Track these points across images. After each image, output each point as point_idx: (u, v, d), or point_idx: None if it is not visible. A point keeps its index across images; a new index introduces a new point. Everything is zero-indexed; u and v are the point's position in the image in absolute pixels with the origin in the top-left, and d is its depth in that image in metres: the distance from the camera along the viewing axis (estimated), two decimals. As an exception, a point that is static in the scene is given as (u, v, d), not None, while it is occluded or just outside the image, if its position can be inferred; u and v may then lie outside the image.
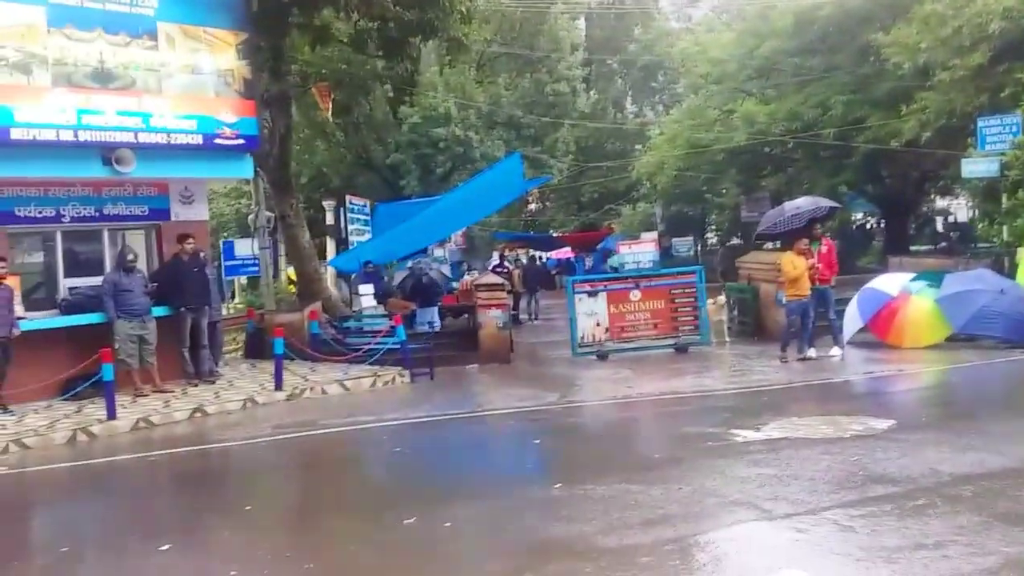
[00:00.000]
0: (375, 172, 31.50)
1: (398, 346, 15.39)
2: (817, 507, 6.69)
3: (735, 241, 37.74)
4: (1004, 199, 19.00)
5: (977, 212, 26.35)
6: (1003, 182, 18.90)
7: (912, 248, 32.98)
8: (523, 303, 25.91)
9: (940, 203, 39.60)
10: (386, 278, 20.80)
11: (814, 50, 29.96)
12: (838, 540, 6.06)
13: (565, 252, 40.05)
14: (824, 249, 15.63)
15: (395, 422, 11.57)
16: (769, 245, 28.59)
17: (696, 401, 12.07)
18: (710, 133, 31.14)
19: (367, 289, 18.67)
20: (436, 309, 18.88)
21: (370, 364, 15.30)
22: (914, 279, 16.30)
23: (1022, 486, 7.01)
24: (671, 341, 16.67)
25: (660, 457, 8.91)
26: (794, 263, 14.70)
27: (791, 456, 8.28)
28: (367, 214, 23.76)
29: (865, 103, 27.72)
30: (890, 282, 16.47)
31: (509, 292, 19.66)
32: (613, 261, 30.51)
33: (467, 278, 19.52)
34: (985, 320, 14.83)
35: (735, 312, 18.65)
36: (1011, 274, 16.28)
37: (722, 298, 18.33)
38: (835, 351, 14.83)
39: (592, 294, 16.93)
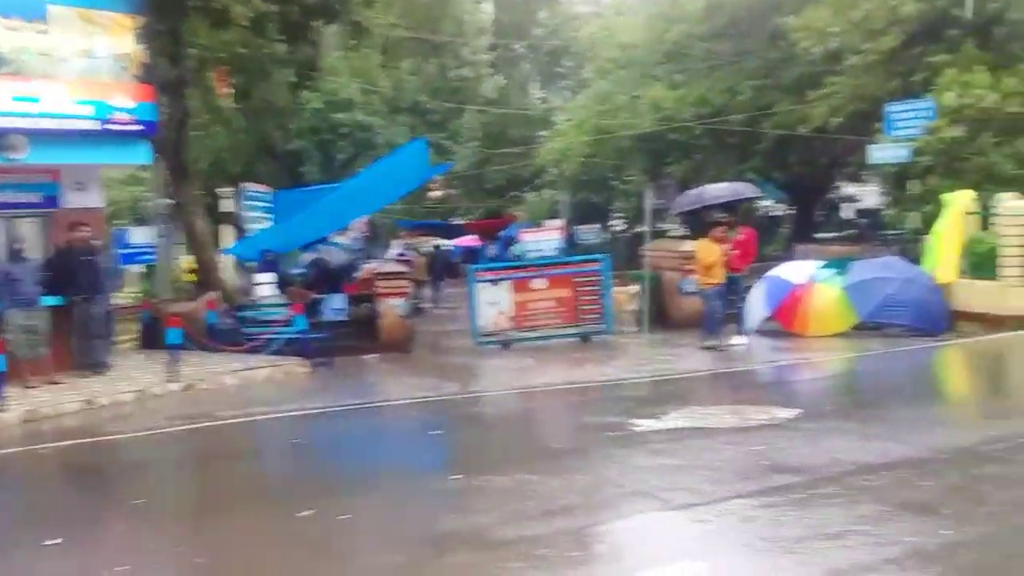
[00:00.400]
0: (276, 159, 30.87)
1: (297, 335, 14.94)
2: (718, 497, 6.52)
3: (641, 229, 37.79)
4: (913, 185, 19.11)
5: (886, 199, 26.62)
6: (912, 168, 18.99)
7: (820, 235, 33.34)
8: (427, 292, 25.55)
9: (849, 190, 40.10)
10: (290, 267, 20.24)
11: (724, 35, 30.00)
12: (739, 530, 5.91)
13: (470, 240, 39.73)
14: (741, 237, 15.52)
15: (293, 413, 11.25)
16: (674, 233, 28.66)
17: (599, 391, 11.86)
18: (617, 119, 30.99)
19: (266, 278, 18.14)
20: (344, 296, 18.41)
21: (269, 354, 14.84)
22: (820, 267, 16.32)
23: (925, 475, 6.89)
24: (576, 330, 16.44)
25: (560, 447, 8.74)
26: (709, 249, 14.58)
27: (693, 446, 8.12)
28: (267, 201, 23.14)
29: (774, 88, 27.85)
30: (796, 270, 16.47)
31: (413, 281, 19.29)
32: (516, 249, 30.24)
33: (369, 266, 19.05)
34: (892, 308, 14.89)
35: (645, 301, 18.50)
36: (920, 262, 16.35)
37: (634, 287, 18.14)
38: (740, 340, 14.74)
39: (495, 282, 16.62)
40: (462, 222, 45.98)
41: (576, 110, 35.75)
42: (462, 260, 36.72)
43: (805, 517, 6.03)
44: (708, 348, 14.28)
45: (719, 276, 14.62)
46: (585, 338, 16.30)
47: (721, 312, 14.67)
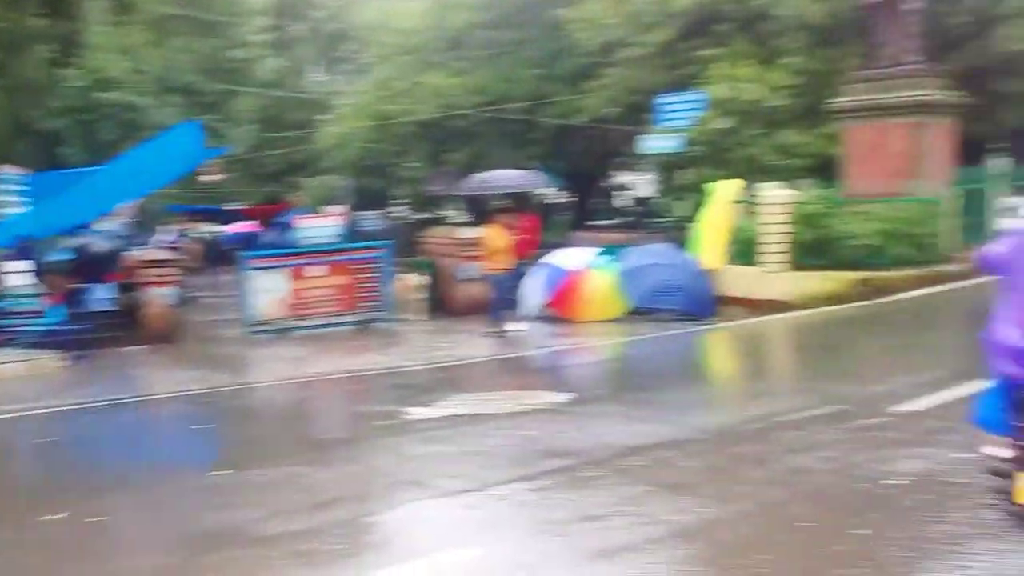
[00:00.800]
0: (33, 139, 28.91)
1: (55, 327, 13.97)
2: (490, 483, 6.52)
3: (422, 216, 37.64)
4: (683, 175, 19.76)
5: (658, 188, 27.50)
6: (682, 158, 19.62)
7: (596, 223, 34.15)
8: (200, 280, 24.58)
9: (625, 179, 41.23)
10: (49, 254, 18.93)
11: (504, 24, 30.18)
12: (510, 515, 5.96)
13: (247, 226, 38.50)
14: (525, 224, 15.60)
15: (48, 410, 10.49)
16: (456, 220, 28.72)
17: (374, 379, 11.68)
18: (398, 105, 30.71)
19: (19, 266, 16.86)
20: (109, 286, 17.36)
21: (22, 347, 13.79)
22: (595, 254, 16.65)
23: (689, 456, 7.10)
24: (354, 318, 16.13)
25: (332, 438, 8.60)
26: (498, 235, 14.63)
27: (467, 433, 8.10)
28: (24, 184, 21.57)
29: (553, 78, 28.24)
30: (571, 257, 16.73)
31: (184, 268, 18.44)
32: (293, 235, 29.36)
33: (135, 254, 18.05)
34: (663, 293, 15.35)
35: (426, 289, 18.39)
36: (689, 248, 16.96)
37: (415, 276, 17.95)
38: (517, 326, 14.85)
39: (269, 269, 16.08)
40: (239, 207, 44.51)
41: (357, 95, 35.20)
42: (238, 247, 35.49)
43: (574, 500, 6.12)
44: (495, 334, 14.34)
45: (508, 262, 14.73)
46: (364, 326, 16.02)
47: (510, 298, 14.80)
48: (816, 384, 9.79)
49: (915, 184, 13.45)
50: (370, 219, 32.24)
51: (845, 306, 14.20)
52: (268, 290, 15.85)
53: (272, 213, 38.18)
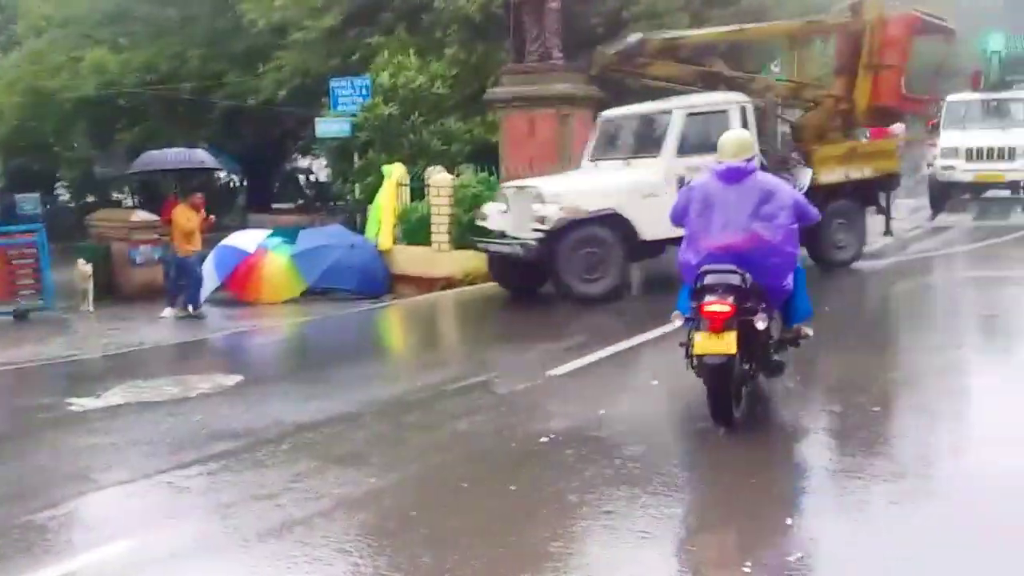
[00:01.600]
0: None
1: None
2: (154, 471, 6.43)
3: (90, 199, 35.59)
4: (356, 159, 19.96)
5: (332, 171, 27.48)
6: (354, 142, 19.82)
7: (274, 206, 33.70)
8: None
9: (302, 162, 40.90)
10: None
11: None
12: (172, 502, 5.89)
13: None
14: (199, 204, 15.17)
15: None
16: (127, 203, 27.44)
17: (36, 372, 11.07)
18: (56, 81, 28.76)
19: None
20: None
21: None
22: (270, 236, 16.57)
23: (357, 428, 7.32)
24: (10, 307, 15.12)
25: None
26: (188, 216, 14.24)
27: (132, 422, 7.92)
28: None
29: (223, 58, 27.44)
30: (247, 239, 16.55)
31: None
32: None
33: None
34: (338, 274, 15.54)
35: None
36: (363, 230, 17.22)
37: (82, 261, 16.92)
38: (189, 309, 14.53)
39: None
40: None
41: (7, 69, 32.56)
42: None
43: (242, 481, 6.14)
44: (189, 317, 14.12)
45: (198, 243, 14.43)
46: (22, 316, 15.06)
47: (200, 277, 14.49)
48: (477, 354, 10.36)
49: (560, 167, 14.48)
50: (29, 202, 30.11)
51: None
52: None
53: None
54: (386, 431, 7.27)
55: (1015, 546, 4.65)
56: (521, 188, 12.91)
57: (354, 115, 19.45)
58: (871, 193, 14.63)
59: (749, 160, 6.78)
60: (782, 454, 6.33)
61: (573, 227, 12.01)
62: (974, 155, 19.43)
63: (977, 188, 20.05)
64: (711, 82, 14.00)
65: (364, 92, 19.46)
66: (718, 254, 6.44)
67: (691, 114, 12.72)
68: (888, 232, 15.81)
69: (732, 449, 6.31)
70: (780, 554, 4.66)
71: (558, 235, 11.94)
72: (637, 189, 12.33)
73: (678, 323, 6.65)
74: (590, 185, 12.82)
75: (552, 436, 6.74)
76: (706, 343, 6.19)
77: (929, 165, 23.31)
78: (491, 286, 13.97)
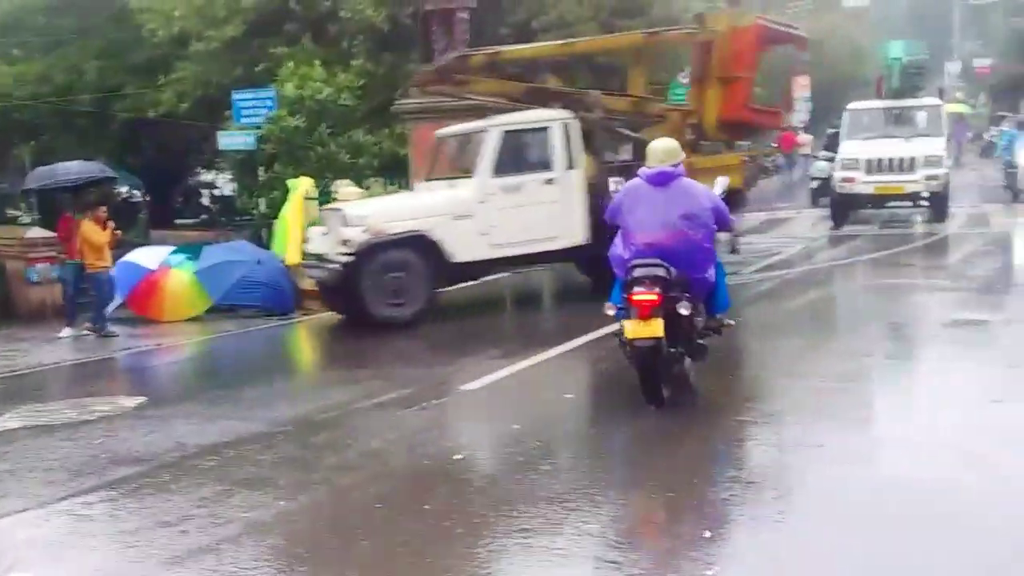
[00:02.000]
0: None
1: None
2: (53, 499, 6.19)
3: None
4: (261, 172, 19.60)
5: (237, 185, 26.98)
6: (259, 155, 19.45)
7: (177, 221, 33.00)
8: None
9: (207, 176, 40.19)
10: None
11: (67, 9, 28.22)
12: (73, 532, 5.67)
13: None
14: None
15: None
16: (23, 219, 26.51)
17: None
18: (-59, 94, 27.73)
19: None
20: None
21: None
22: (173, 252, 16.16)
23: (264, 450, 7.14)
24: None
25: None
26: (96, 231, 13.76)
27: (29, 447, 7.60)
28: None
29: (122, 70, 26.76)
30: (149, 255, 16.11)
31: None
32: None
33: None
34: (244, 290, 15.19)
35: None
36: (269, 245, 16.87)
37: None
38: (72, 331, 13.99)
39: None
40: None
41: None
42: None
43: (145, 508, 5.96)
44: (99, 335, 13.58)
45: (108, 258, 13.93)
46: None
47: (109, 295, 14.02)
48: (388, 369, 10.18)
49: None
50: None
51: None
52: None
53: None
54: (294, 452, 7.10)
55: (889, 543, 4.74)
56: (334, 210, 12.73)
57: (259, 127, 19.11)
58: None
59: (676, 165, 7.40)
60: (697, 468, 6.33)
61: (378, 250, 11.83)
62: (875, 167, 19.40)
63: (878, 200, 20.09)
64: (541, 98, 13.61)
65: (269, 104, 19.12)
66: (646, 250, 7.11)
67: (508, 132, 12.52)
68: (735, 250, 15.40)
69: (648, 463, 6.33)
70: (698, 567, 4.64)
71: (364, 258, 11.77)
72: (448, 210, 12.17)
73: (611, 313, 7.30)
74: (398, 207, 12.70)
75: (466, 453, 6.68)
76: (636, 328, 6.86)
77: (813, 179, 23.83)
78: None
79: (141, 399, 9.13)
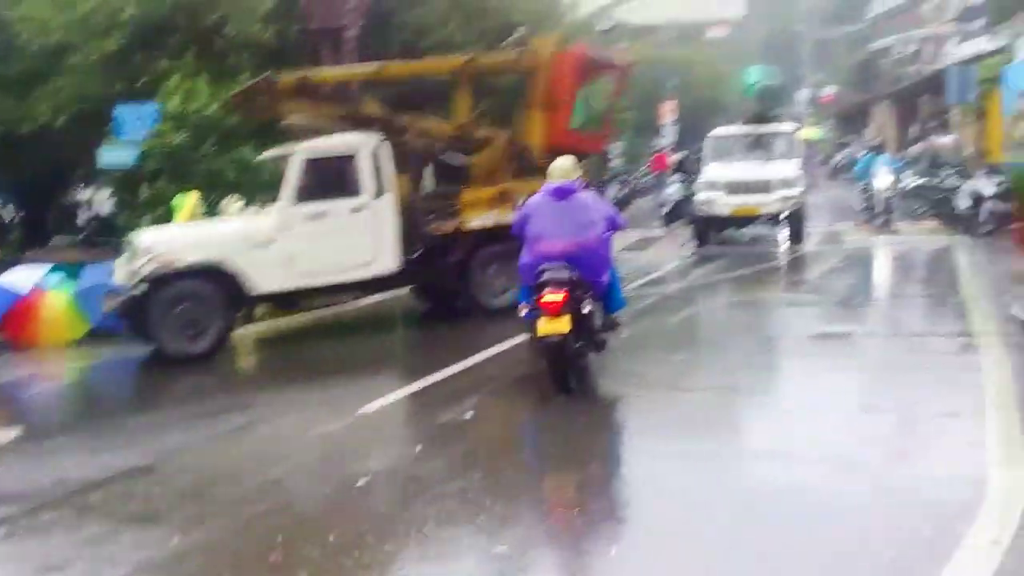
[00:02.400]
0: None
1: None
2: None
3: None
4: (145, 189, 18.96)
5: (117, 202, 26.08)
6: (142, 171, 18.82)
7: (52, 241, 31.83)
8: None
9: (86, 193, 38.93)
10: None
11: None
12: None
13: None
14: None
15: None
16: None
17: None
18: None
19: None
20: None
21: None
22: (49, 273, 15.41)
23: (154, 484, 6.76)
24: None
25: None
26: None
27: None
28: None
29: (-6, 82, 25.71)
30: (21, 278, 15.31)
31: None
32: None
33: None
34: (125, 313, 14.56)
35: None
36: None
37: None
38: None
39: None
40: None
41: None
42: None
43: (24, 552, 5.58)
44: None
45: None
46: None
47: None
48: (283, 393, 9.80)
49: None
50: None
51: (298, 318, 14.29)
52: None
53: None
54: (187, 484, 6.71)
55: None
56: (131, 240, 12.39)
57: (138, 143, 18.48)
58: None
59: (574, 181, 8.26)
60: (601, 486, 6.30)
61: (168, 281, 11.44)
62: (733, 189, 20.00)
63: (736, 222, 20.62)
64: (362, 123, 13.28)
65: (152, 118, 18.52)
66: (552, 256, 7.92)
67: (312, 159, 12.26)
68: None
69: (553, 478, 6.41)
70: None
71: (153, 289, 11.38)
72: (245, 239, 11.81)
73: (523, 313, 8.19)
74: (194, 236, 12.31)
75: (369, 477, 6.45)
76: (545, 326, 7.65)
77: (661, 206, 24.52)
78: (297, 320, 13.57)
79: (17, 432, 8.57)
